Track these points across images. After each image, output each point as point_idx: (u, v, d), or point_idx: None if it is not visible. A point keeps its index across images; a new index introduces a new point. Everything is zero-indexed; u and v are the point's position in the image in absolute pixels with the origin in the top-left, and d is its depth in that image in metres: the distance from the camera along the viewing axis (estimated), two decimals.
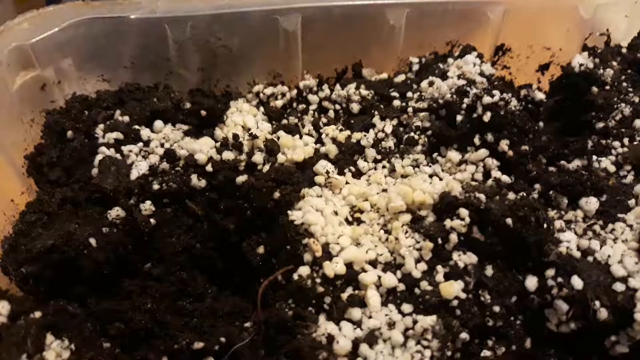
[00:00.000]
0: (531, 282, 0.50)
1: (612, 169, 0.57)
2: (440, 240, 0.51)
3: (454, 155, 0.59)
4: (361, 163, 0.60)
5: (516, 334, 0.50)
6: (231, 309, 0.54)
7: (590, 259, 0.50)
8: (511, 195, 0.53)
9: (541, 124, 0.64)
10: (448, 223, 0.51)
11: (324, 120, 0.65)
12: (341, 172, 0.59)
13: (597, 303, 0.47)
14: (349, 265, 0.50)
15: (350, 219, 0.55)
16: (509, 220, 0.50)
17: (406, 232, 0.52)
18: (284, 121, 0.65)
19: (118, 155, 0.58)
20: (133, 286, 0.54)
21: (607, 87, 0.64)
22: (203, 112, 0.61)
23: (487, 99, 0.57)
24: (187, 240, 0.57)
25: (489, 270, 0.51)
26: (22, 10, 0.90)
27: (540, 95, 0.61)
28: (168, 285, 0.55)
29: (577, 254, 0.51)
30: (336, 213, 0.54)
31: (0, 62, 0.56)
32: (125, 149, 0.59)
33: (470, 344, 0.49)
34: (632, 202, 0.55)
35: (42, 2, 0.72)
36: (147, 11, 0.64)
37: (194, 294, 0.56)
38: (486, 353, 0.49)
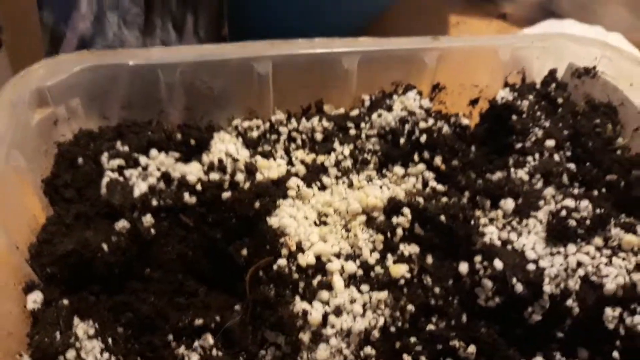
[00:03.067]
0: (463, 267, 0.62)
1: (526, 178, 0.71)
2: (389, 234, 0.63)
3: (398, 170, 0.72)
4: (325, 179, 0.73)
5: (454, 311, 0.61)
6: (221, 303, 0.65)
7: (509, 247, 0.62)
8: (444, 199, 0.66)
9: (473, 148, 0.79)
10: (394, 220, 0.64)
11: (293, 146, 0.77)
12: (309, 187, 0.71)
13: (514, 279, 0.58)
14: (318, 257, 0.62)
15: (317, 222, 0.67)
16: (442, 218, 0.63)
17: (362, 229, 0.64)
18: (260, 149, 0.77)
19: (121, 178, 0.69)
20: (138, 285, 0.64)
21: (524, 116, 0.78)
22: (192, 142, 0.73)
23: (423, 124, 0.71)
24: (181, 248, 0.67)
25: (429, 259, 0.63)
26: (16, 61, 1.02)
27: (465, 121, 0.76)
28: (166, 286, 0.66)
29: (498, 243, 0.62)
30: (306, 218, 0.66)
31: (24, 101, 0.67)
32: (127, 172, 0.70)
33: (417, 320, 0.61)
34: (541, 202, 0.67)
35: (39, 56, 0.83)
36: (143, 58, 0.76)
37: (188, 292, 0.66)
38: (430, 327, 0.60)
